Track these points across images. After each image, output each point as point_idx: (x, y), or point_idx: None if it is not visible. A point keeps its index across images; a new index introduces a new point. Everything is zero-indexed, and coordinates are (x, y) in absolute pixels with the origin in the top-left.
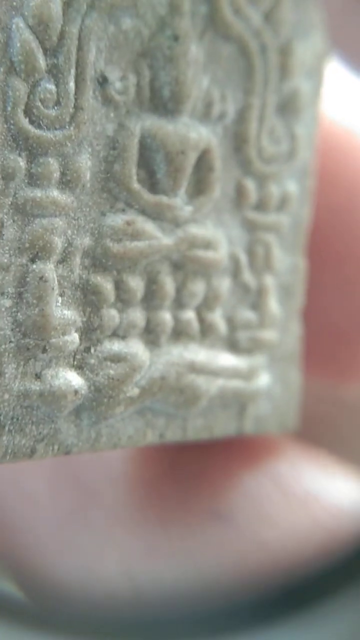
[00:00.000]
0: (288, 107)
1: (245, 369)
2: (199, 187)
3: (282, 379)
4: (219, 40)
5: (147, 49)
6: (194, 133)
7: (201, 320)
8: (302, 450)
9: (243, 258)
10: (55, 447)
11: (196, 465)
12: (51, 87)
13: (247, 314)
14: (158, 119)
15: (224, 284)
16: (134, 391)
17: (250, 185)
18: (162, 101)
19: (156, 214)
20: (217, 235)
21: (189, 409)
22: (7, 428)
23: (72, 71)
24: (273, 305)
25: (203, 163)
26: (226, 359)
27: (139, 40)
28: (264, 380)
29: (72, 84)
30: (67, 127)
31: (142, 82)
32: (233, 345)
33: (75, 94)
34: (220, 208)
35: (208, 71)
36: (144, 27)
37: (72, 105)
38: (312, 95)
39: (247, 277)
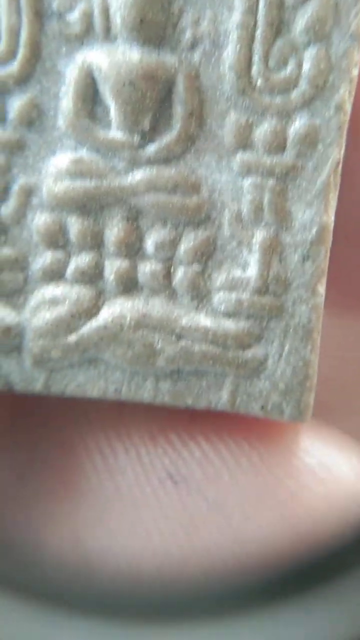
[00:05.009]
0: (304, 22)
1: (223, 335)
2: (170, 122)
3: (288, 356)
4: None
5: None
6: (148, 62)
7: (170, 273)
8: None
9: (232, 207)
10: None
11: (154, 426)
12: None
13: (234, 273)
14: (108, 49)
15: (203, 235)
16: (72, 338)
17: (240, 120)
18: (116, 30)
19: (111, 153)
20: (192, 179)
21: (143, 367)
22: None
23: (14, 6)
24: (274, 266)
25: (175, 96)
26: (197, 320)
27: None
28: (255, 352)
29: (14, 19)
30: (9, 64)
31: (95, 11)
32: (214, 307)
33: (19, 30)
34: (203, 148)
35: None
36: None
37: (15, 42)
38: (349, 4)
39: (236, 230)
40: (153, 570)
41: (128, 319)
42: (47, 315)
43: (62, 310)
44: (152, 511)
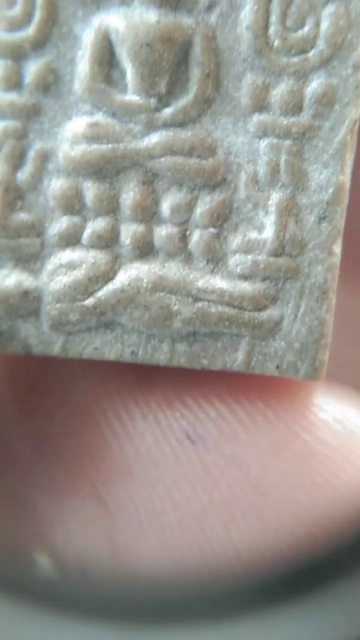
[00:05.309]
0: None
1: (239, 296)
2: (186, 86)
3: (303, 316)
4: None
5: None
6: (165, 23)
7: (185, 237)
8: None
9: (248, 169)
10: (14, 343)
11: (170, 391)
12: None
13: (250, 235)
14: (125, 11)
15: (218, 198)
16: (89, 301)
17: (257, 81)
18: None
19: (128, 117)
20: (208, 141)
21: (160, 329)
22: None
23: None
24: (290, 227)
25: (191, 58)
26: (214, 283)
27: None
28: (271, 313)
29: None
30: (25, 28)
31: None
32: (230, 269)
33: None
34: (219, 110)
35: None
36: None
37: (31, 4)
38: None
39: (252, 192)
40: (174, 525)
41: (145, 282)
42: (64, 279)
43: (79, 274)
44: (172, 469)
